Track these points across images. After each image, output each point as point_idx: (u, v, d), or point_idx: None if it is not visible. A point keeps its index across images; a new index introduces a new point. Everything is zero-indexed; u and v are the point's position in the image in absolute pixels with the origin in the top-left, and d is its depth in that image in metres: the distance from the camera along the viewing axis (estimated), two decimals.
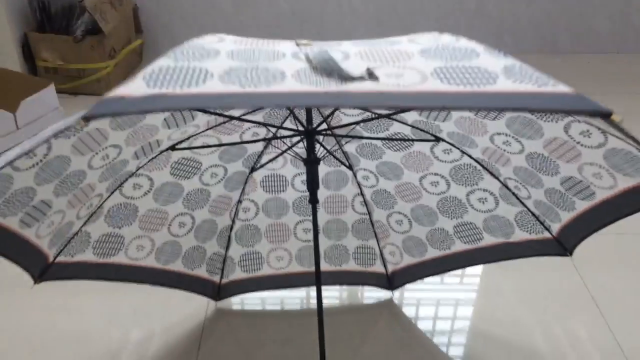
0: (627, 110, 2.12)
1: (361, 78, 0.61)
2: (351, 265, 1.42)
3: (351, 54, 0.70)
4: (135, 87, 0.59)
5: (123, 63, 2.70)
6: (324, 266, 1.39)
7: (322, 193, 1.33)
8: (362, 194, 1.34)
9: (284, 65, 0.66)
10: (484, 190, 1.20)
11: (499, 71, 0.65)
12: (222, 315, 1.44)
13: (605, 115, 0.55)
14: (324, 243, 1.38)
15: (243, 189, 1.31)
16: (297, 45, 0.74)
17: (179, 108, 0.61)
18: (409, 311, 1.47)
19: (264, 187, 1.32)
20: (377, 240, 1.40)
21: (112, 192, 1.12)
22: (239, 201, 1.32)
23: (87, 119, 0.55)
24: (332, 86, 0.60)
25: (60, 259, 1.11)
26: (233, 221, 1.34)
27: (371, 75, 0.62)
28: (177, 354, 1.32)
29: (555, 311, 1.46)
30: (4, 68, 2.14)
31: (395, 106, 0.62)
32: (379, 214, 1.36)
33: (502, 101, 0.58)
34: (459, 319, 1.45)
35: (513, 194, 1.17)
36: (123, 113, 0.57)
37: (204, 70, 0.64)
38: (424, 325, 1.43)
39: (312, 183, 1.01)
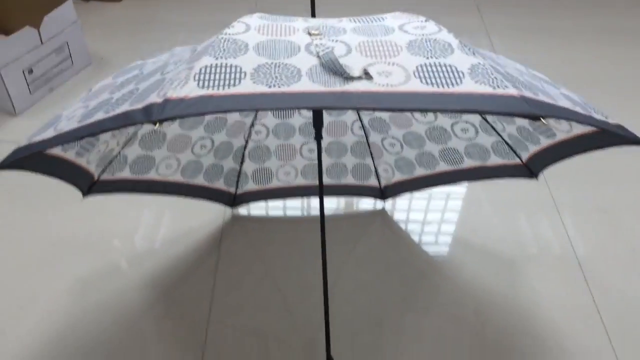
0: None
1: (359, 78, 0.78)
2: (349, 180, 1.63)
3: (352, 48, 0.85)
4: (189, 88, 0.75)
5: None
6: (326, 180, 1.60)
7: (325, 118, 1.50)
8: (360, 119, 1.51)
9: (300, 62, 0.81)
10: (466, 122, 1.38)
11: (465, 71, 0.80)
12: (238, 220, 1.68)
13: (536, 118, 0.73)
14: (325, 161, 1.58)
15: (255, 115, 1.48)
16: (310, 35, 0.88)
17: (225, 110, 0.76)
18: (398, 218, 1.71)
19: (274, 113, 1.49)
20: (372, 159, 1.60)
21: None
22: (252, 125, 1.50)
23: (160, 121, 0.72)
24: (337, 85, 0.76)
25: (104, 177, 1.32)
26: (247, 142, 1.53)
27: (367, 74, 0.78)
28: (201, 251, 1.58)
29: (524, 219, 1.69)
30: None
31: (385, 109, 0.79)
32: (375, 137, 1.54)
33: (463, 102, 0.75)
34: (443, 225, 1.69)
35: (491, 126, 1.35)
36: (185, 115, 0.72)
37: (238, 69, 0.79)
38: (411, 230, 1.67)
39: (318, 123, 1.18)
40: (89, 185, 1.30)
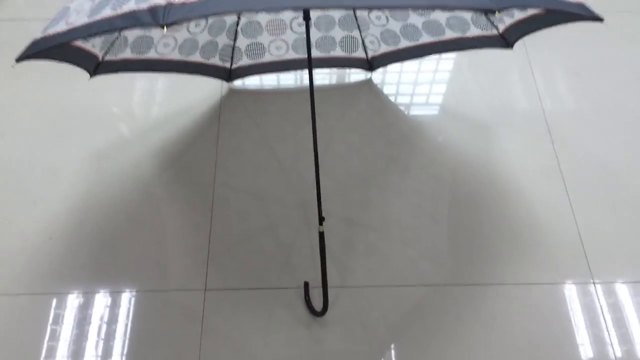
0: None
1: None
2: (338, 52, 1.72)
3: None
4: None
5: None
6: (315, 53, 1.70)
7: None
8: None
9: None
10: None
11: None
12: (234, 93, 1.81)
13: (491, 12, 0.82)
14: (315, 34, 1.66)
15: None
16: None
17: (224, 11, 0.84)
18: (384, 88, 1.83)
19: None
20: (360, 31, 1.68)
21: None
22: None
23: (169, 24, 0.81)
24: None
25: (107, 58, 1.42)
26: (239, 17, 1.60)
27: None
28: (203, 122, 1.72)
29: (500, 84, 1.82)
30: None
31: (367, 6, 0.87)
32: (362, 11, 1.61)
33: None
34: (425, 93, 1.82)
35: None
36: (189, 18, 0.81)
37: None
38: (395, 98, 1.80)
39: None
40: (94, 66, 1.40)
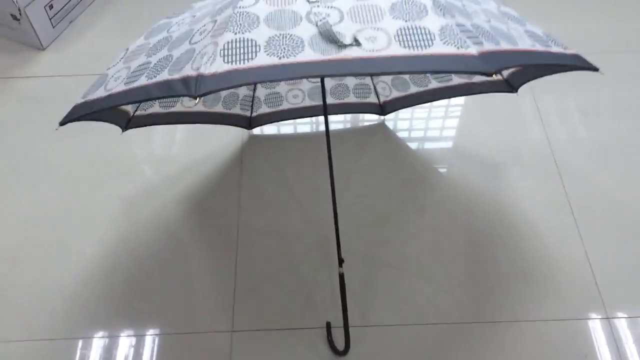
0: None
1: (351, 45, 0.95)
2: (351, 99, 1.82)
3: (344, 14, 1.01)
4: (217, 64, 0.92)
5: None
6: (330, 100, 1.79)
7: None
8: None
9: (302, 32, 0.98)
10: None
11: (436, 32, 0.97)
12: (254, 140, 1.90)
13: (488, 74, 0.90)
14: (329, 82, 1.75)
15: None
16: (309, 2, 1.04)
17: (248, 82, 0.92)
18: (397, 131, 1.91)
19: None
20: (372, 79, 1.77)
21: None
22: None
23: (200, 95, 0.90)
24: (332, 53, 0.94)
25: (138, 113, 1.53)
26: None
27: (357, 41, 0.96)
28: (226, 169, 1.81)
29: (508, 124, 1.89)
30: None
31: (372, 73, 0.96)
32: None
33: (432, 63, 0.93)
34: (437, 134, 1.89)
35: None
36: (218, 89, 0.90)
37: (253, 42, 0.96)
38: (408, 140, 1.88)
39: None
40: (126, 121, 1.51)
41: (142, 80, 1.03)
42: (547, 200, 1.70)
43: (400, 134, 1.90)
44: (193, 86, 0.92)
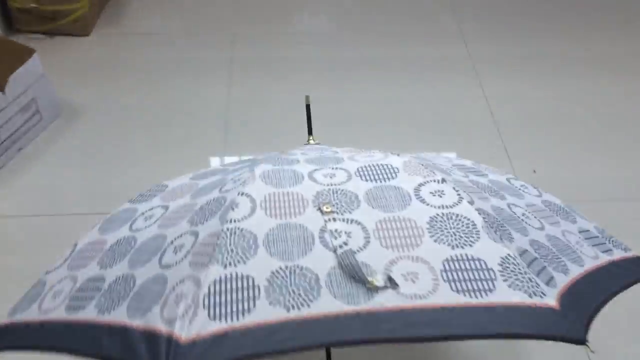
0: None
1: (384, 287, 0.69)
2: None
3: (370, 233, 0.76)
4: (199, 322, 0.65)
5: (97, 1, 2.55)
6: None
7: None
8: None
9: (316, 264, 0.72)
10: None
11: (496, 268, 0.72)
12: None
13: (579, 342, 0.66)
14: None
15: None
16: (321, 213, 0.79)
17: (244, 356, 0.65)
18: None
19: None
20: None
21: None
22: None
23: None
24: (360, 300, 0.67)
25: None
26: None
27: (391, 281, 0.70)
28: None
29: None
30: None
31: (418, 339, 0.70)
32: None
33: (500, 322, 0.67)
34: None
35: None
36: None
37: (251, 281, 0.69)
38: None
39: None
40: None
41: (89, 312, 0.74)
42: None
43: None
44: (163, 353, 0.62)
